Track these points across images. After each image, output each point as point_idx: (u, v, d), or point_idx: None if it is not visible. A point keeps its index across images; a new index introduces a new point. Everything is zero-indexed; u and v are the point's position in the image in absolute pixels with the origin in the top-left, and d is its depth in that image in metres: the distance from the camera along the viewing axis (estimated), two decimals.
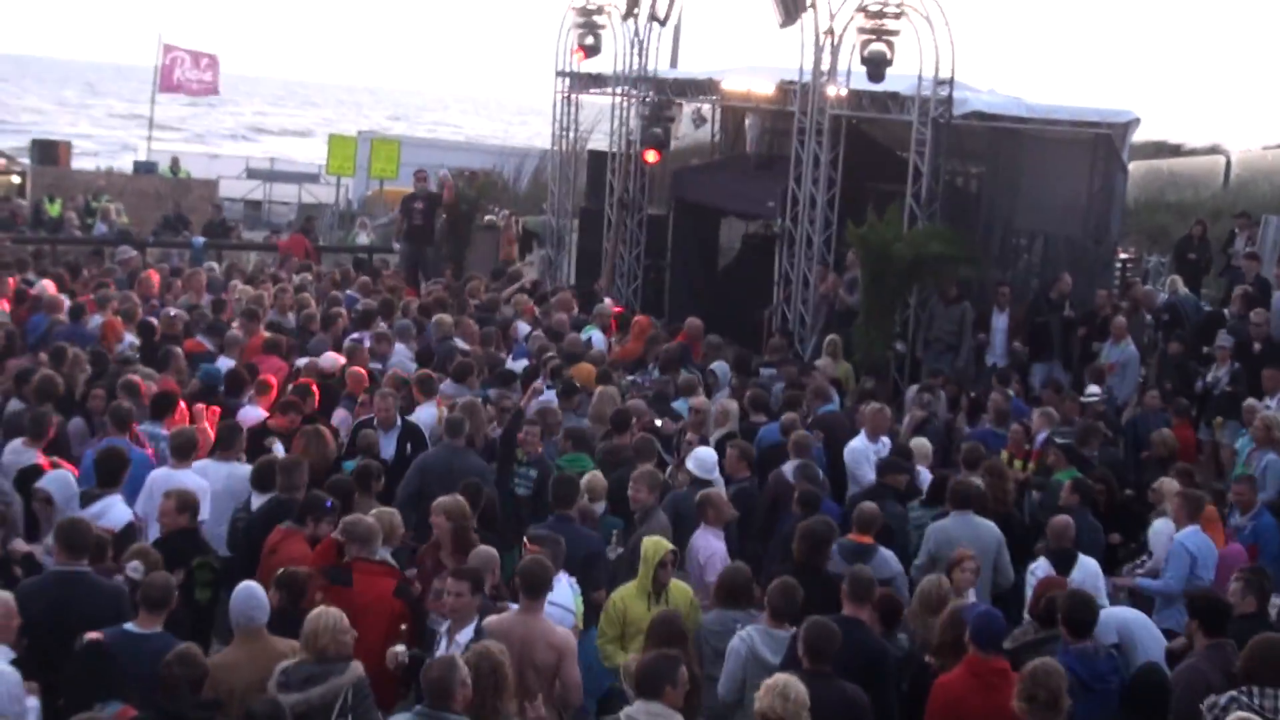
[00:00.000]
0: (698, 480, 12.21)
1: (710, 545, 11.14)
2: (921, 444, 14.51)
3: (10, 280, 19.09)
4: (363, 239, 30.29)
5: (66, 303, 17.91)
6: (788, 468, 13.02)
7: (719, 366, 17.49)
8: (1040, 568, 11.25)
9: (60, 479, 11.30)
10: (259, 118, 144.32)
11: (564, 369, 16.18)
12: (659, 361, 17.54)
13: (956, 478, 12.73)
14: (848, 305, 20.16)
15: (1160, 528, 12.47)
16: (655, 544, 10.03)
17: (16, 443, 12.11)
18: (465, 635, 8.86)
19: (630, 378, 17.27)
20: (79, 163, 40.92)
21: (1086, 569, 11.28)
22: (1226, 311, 19.66)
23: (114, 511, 10.85)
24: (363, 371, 15.04)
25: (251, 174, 45.49)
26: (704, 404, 15.03)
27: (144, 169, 36.55)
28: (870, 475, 13.64)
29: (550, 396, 14.96)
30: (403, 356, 16.71)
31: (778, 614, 9.20)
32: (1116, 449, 15.87)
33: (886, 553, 11.32)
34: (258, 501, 11.42)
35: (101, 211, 28.43)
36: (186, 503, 10.53)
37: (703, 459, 12.47)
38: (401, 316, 18.70)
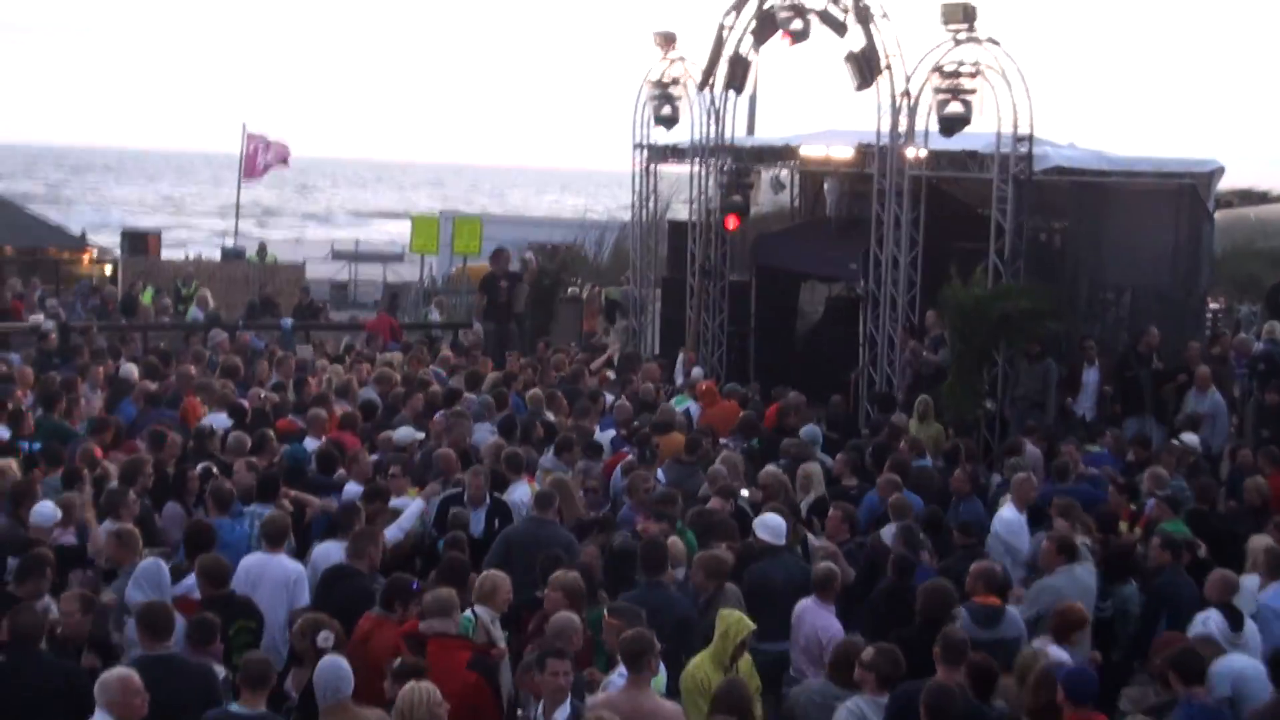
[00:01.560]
0: (769, 547, 12.05)
1: (829, 624, 10.99)
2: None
3: (99, 369, 19.36)
4: (435, 316, 30.49)
5: (151, 387, 18.18)
6: (886, 531, 12.82)
7: (808, 431, 17.28)
8: (1213, 619, 10.90)
9: (148, 569, 11.11)
10: (345, 200, 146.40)
11: (652, 437, 16.25)
12: (740, 429, 17.49)
13: (1051, 533, 12.57)
14: (935, 364, 19.97)
15: (1245, 586, 12.13)
16: (739, 621, 9.87)
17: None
18: (563, 713, 8.87)
19: (725, 442, 17.16)
20: (169, 252, 41.66)
21: (1250, 629, 11.03)
22: None
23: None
24: (453, 454, 14.99)
25: (337, 256, 46.13)
26: (773, 473, 14.80)
27: (232, 255, 37.13)
28: (1025, 548, 13.33)
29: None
30: (485, 433, 16.72)
31: (885, 680, 9.11)
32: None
33: (1014, 613, 11.15)
34: None
35: (199, 299, 28.88)
36: (206, 569, 10.63)
37: (771, 525, 12.21)
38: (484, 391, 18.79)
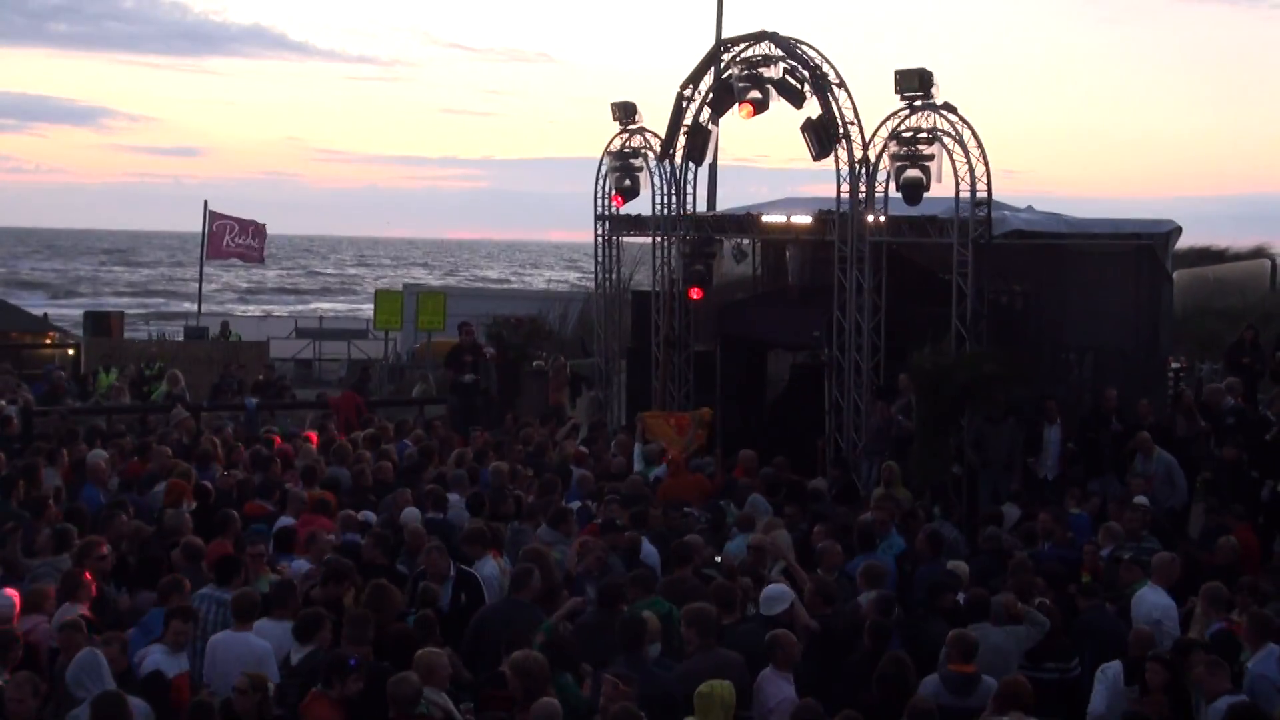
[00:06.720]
0: (768, 619, 11.94)
1: (780, 690, 10.89)
2: (959, 566, 14.28)
3: (65, 452, 19.20)
4: (416, 392, 30.45)
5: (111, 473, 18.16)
6: (862, 600, 12.74)
7: (755, 500, 17.29)
8: (1112, 669, 11.15)
9: (86, 663, 10.68)
10: (308, 277, 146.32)
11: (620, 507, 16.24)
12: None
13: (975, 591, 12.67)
14: (907, 430, 20.00)
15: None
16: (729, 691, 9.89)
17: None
18: None
19: (687, 510, 17.15)
20: (132, 332, 41.51)
21: None
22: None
23: (149, 659, 10.99)
24: (421, 529, 14.97)
25: (301, 333, 46.02)
26: (761, 540, 14.84)
27: (195, 334, 36.98)
28: (1177, 630, 12.92)
29: None
30: (459, 507, 16.69)
31: None
32: None
33: (991, 681, 10.99)
34: (298, 655, 11.25)
35: (172, 378, 28.78)
36: (258, 685, 10.29)
37: (770, 596, 12.21)
38: (456, 466, 18.77)
